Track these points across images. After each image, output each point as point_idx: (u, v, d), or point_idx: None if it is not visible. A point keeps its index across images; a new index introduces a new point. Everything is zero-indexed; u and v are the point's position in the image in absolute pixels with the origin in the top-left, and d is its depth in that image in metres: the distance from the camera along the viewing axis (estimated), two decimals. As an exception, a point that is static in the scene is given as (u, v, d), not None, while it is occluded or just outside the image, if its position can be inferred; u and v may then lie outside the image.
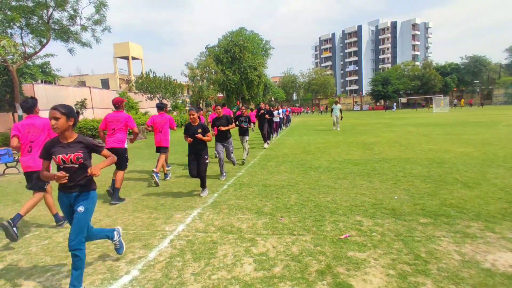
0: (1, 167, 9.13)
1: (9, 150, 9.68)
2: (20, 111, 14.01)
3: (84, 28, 14.61)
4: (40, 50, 14.29)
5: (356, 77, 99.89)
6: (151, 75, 27.02)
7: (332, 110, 17.76)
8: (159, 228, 3.99)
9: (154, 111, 30.17)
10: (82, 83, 45.28)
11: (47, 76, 22.99)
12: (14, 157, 9.43)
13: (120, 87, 45.54)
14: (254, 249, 3.23)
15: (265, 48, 49.06)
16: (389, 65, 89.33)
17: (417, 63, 73.56)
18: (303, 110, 63.46)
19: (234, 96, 40.36)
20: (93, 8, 14.19)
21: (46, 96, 19.25)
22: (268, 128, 12.12)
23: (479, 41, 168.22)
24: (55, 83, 24.19)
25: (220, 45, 39.63)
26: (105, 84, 47.54)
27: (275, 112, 14.93)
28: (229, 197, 5.25)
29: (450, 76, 60.82)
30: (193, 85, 34.87)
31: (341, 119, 17.56)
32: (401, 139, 12.06)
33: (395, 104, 56.24)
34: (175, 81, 28.82)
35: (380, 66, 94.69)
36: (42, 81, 22.71)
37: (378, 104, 65.37)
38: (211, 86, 36.18)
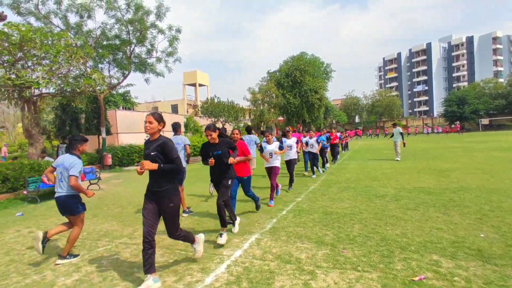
0: (85, 183, 10.29)
1: (93, 168, 10.93)
2: (103, 134, 15.91)
3: (158, 60, 16.37)
4: (122, 80, 16.32)
5: (426, 98, 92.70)
6: (216, 100, 28.65)
7: (392, 135, 14.19)
8: (216, 251, 4.00)
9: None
10: (155, 109, 49.85)
11: (127, 103, 25.94)
12: (97, 175, 10.61)
13: (187, 111, 49.10)
14: (313, 284, 3.01)
15: (326, 71, 48.87)
16: (466, 83, 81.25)
17: (501, 79, 65.67)
18: (360, 134, 55.38)
19: (294, 119, 40.48)
20: (167, 42, 15.86)
21: (125, 121, 21.59)
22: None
23: None
24: (133, 109, 27.06)
25: (281, 70, 40.57)
26: (174, 109, 51.74)
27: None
28: (287, 223, 5.08)
29: (543, 93, 52.80)
30: (255, 109, 35.94)
31: (403, 146, 14.09)
32: (483, 165, 10.62)
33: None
34: (237, 106, 30.08)
35: (454, 85, 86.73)
36: (123, 108, 25.62)
37: (453, 126, 59.31)
38: (272, 109, 36.89)
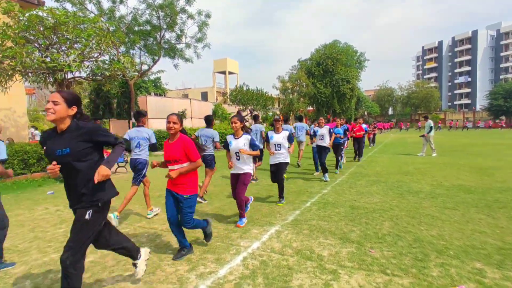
0: (114, 166, 10.54)
1: (121, 152, 11.15)
2: (133, 119, 16.27)
3: (188, 45, 16.36)
4: (152, 66, 16.52)
5: (469, 90, 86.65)
6: (244, 88, 28.43)
7: (430, 129, 12.57)
8: (234, 242, 3.82)
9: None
10: (185, 96, 50.67)
11: (158, 89, 26.43)
12: (125, 158, 10.84)
13: (216, 99, 49.45)
14: (335, 285, 2.73)
15: (359, 61, 46.88)
16: (515, 75, 74.87)
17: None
18: (391, 126, 52.03)
19: (324, 109, 39.41)
20: (197, 27, 15.76)
21: (156, 107, 22.02)
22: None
23: None
24: (164, 95, 27.57)
25: (312, 58, 39.42)
26: (204, 96, 52.31)
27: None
28: (311, 216, 4.80)
29: None
30: (284, 98, 35.36)
31: (422, 136, 12.81)
32: (534, 164, 9.61)
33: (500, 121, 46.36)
34: (266, 94, 29.66)
35: (502, 77, 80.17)
36: (154, 94, 26.18)
37: (497, 121, 55.04)
38: (302, 99, 36.09)
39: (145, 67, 16.66)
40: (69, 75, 9.71)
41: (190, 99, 27.06)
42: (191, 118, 25.93)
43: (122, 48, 14.76)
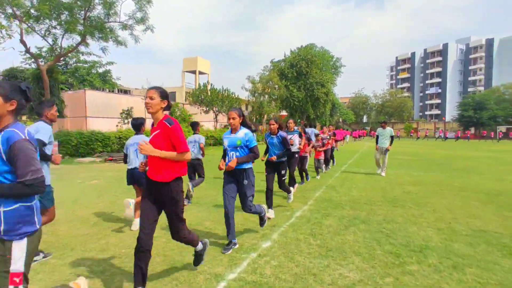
0: None
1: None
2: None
3: (124, 26, 13.09)
4: (74, 49, 13.20)
5: (439, 101, 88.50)
6: (209, 87, 25.47)
7: (377, 138, 9.58)
8: None
9: (207, 125, 28.59)
10: (152, 96, 46.91)
11: (106, 84, 22.87)
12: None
13: (186, 100, 46.08)
14: None
15: (335, 66, 45.29)
16: (482, 88, 76.96)
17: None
18: (364, 134, 48.88)
19: (298, 114, 37.15)
20: (135, 5, 12.55)
21: (96, 103, 18.56)
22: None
23: None
24: (112, 91, 23.99)
25: (286, 60, 37.16)
26: (172, 97, 48.71)
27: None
28: None
29: None
30: (254, 100, 32.72)
31: (385, 154, 9.35)
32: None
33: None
34: (234, 95, 26.82)
35: (470, 89, 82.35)
36: (102, 89, 22.55)
37: (470, 132, 55.39)
38: (273, 102, 33.60)
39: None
40: None
41: (140, 96, 23.59)
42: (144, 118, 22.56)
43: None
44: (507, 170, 11.02)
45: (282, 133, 5.11)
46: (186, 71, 50.00)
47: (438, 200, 6.15)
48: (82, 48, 14.04)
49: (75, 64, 20.92)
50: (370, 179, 8.85)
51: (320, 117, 38.48)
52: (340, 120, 58.19)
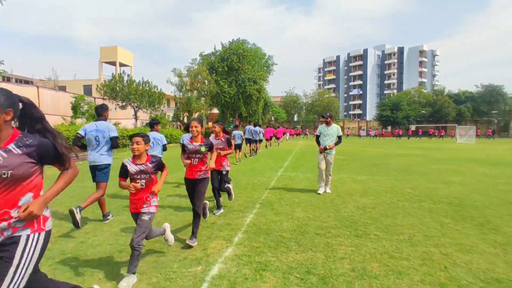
0: None
1: None
2: None
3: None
4: None
5: (360, 102, 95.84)
6: (125, 79, 21.82)
7: (317, 137, 6.81)
8: None
9: (125, 122, 24.78)
10: (62, 88, 40.31)
11: (-17, 70, 17.72)
12: None
13: (103, 94, 40.51)
14: None
15: (267, 64, 44.52)
16: (395, 91, 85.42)
17: (424, 90, 69.46)
18: (299, 133, 48.56)
19: (229, 112, 35.19)
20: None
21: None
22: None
23: (489, 73, 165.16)
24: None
25: (216, 53, 34.84)
26: (87, 90, 42.53)
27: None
28: None
29: (464, 104, 56.35)
30: (181, 96, 29.72)
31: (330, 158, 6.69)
32: (506, 193, 6.66)
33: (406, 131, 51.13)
34: (156, 89, 23.55)
35: (385, 92, 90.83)
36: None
37: (385, 130, 60.53)
38: (203, 98, 31.04)
39: None
40: None
41: (37, 87, 18.95)
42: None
43: None
44: (441, 169, 10.62)
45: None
46: (105, 62, 44.17)
47: (405, 220, 4.69)
48: None
49: None
50: (313, 187, 7.21)
51: (252, 115, 37.15)
52: (273, 118, 58.19)
